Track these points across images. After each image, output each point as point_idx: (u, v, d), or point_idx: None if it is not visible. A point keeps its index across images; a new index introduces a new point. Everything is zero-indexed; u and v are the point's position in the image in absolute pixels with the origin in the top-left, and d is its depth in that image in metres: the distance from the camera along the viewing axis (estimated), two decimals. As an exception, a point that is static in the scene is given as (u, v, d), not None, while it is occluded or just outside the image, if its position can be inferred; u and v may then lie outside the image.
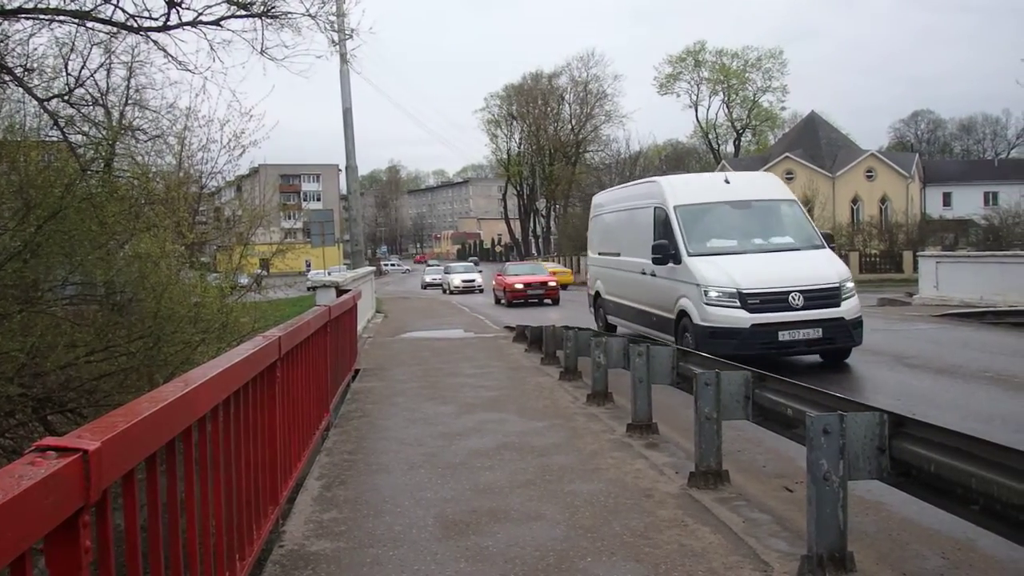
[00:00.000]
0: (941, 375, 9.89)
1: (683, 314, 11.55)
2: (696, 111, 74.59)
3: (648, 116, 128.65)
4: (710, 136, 73.94)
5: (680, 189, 12.93)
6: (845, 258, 26.76)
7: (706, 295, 10.99)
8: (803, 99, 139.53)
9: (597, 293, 16.31)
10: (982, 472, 3.44)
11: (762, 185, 13.61)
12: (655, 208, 12.83)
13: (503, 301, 30.97)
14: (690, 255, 11.62)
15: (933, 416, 5.60)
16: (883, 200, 57.95)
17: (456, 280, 43.00)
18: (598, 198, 17.73)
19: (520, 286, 30.22)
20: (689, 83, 73.95)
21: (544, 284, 30.59)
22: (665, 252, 11.93)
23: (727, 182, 13.04)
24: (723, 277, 11.02)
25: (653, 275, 12.57)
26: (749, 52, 72.30)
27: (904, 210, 51.54)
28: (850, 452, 3.90)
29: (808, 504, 3.93)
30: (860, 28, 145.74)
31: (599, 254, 16.45)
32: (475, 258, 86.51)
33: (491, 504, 5.33)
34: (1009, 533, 3.41)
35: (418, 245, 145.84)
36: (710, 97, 74.22)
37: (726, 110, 74.20)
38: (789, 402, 5.21)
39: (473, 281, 42.71)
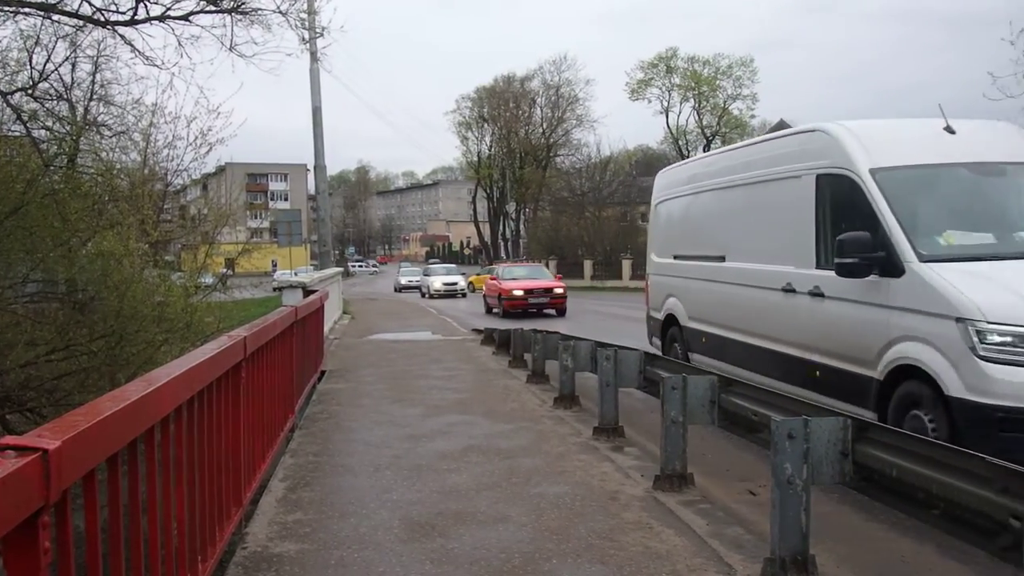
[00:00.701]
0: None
1: (909, 372, 6.01)
2: (667, 117, 74.91)
3: (619, 121, 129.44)
4: (680, 142, 74.29)
5: (877, 142, 7.16)
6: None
7: (980, 339, 5.49)
8: (773, 107, 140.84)
9: (670, 317, 10.80)
10: (943, 477, 3.50)
11: (1007, 138, 7.60)
12: (819, 176, 7.35)
13: (496, 310, 26.64)
14: (923, 260, 6.14)
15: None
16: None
17: (436, 283, 40.36)
18: (667, 175, 11.86)
19: (520, 293, 25.86)
20: (660, 89, 74.24)
21: (549, 291, 26.12)
22: (865, 253, 6.39)
23: (950, 131, 7.27)
24: (1015, 303, 5.59)
25: (819, 295, 7.17)
26: (720, 59, 72.71)
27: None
28: (814, 456, 3.95)
29: (772, 507, 3.97)
30: (833, 36, 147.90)
31: (674, 258, 10.90)
32: (436, 260, 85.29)
33: (457, 506, 5.31)
34: (969, 537, 3.49)
35: (386, 247, 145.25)
36: (681, 103, 74.49)
37: (696, 117, 74.57)
38: (754, 407, 5.27)
39: (455, 284, 40.28)
